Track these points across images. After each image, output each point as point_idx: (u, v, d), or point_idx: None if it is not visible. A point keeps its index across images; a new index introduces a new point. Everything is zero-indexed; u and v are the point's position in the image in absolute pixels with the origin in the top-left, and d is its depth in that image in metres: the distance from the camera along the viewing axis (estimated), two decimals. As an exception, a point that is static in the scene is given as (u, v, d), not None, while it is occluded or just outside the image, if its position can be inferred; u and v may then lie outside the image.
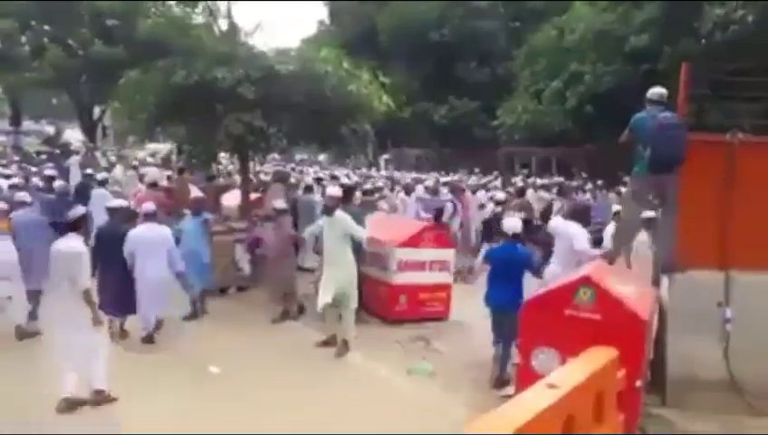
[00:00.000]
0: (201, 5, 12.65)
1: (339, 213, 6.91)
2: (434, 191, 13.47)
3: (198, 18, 17.54)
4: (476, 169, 24.61)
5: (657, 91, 5.86)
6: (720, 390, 5.37)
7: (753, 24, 19.75)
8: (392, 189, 14.92)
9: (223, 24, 12.05)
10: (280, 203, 8.52)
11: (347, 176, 17.28)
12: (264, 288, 8.80)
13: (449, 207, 11.22)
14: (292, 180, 12.94)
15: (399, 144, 36.73)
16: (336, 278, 6.78)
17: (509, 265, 6.02)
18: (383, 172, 24.55)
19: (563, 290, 4.71)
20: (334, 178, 15.70)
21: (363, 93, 9.48)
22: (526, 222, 7.18)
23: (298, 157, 24.85)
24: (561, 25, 28.80)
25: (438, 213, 10.40)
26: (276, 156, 16.84)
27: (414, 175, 21.38)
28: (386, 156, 34.63)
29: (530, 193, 14.08)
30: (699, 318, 5.47)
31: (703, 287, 5.53)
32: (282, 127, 9.63)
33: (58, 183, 10.60)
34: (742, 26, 20.35)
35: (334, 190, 7.54)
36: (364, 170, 23.20)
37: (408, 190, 13.87)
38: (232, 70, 8.92)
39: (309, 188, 11.15)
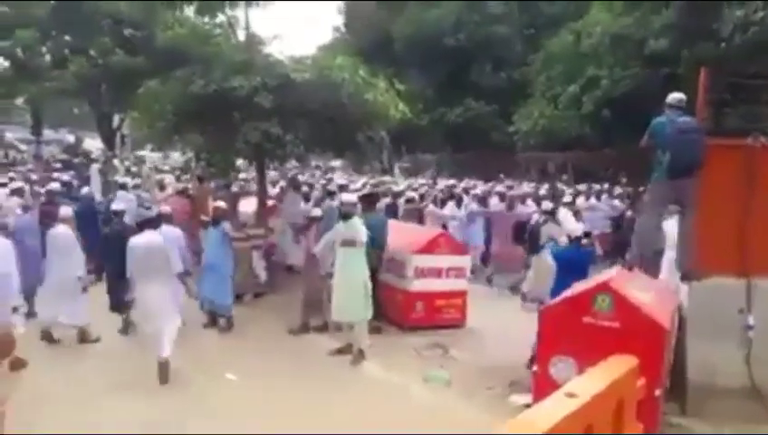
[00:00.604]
0: (220, 16, 12.73)
1: (355, 220, 6.91)
2: (482, 200, 12.41)
3: (217, 28, 17.68)
4: (501, 175, 24.13)
5: (676, 96, 5.83)
6: (741, 398, 5.27)
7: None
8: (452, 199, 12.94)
9: (241, 34, 12.21)
10: (316, 211, 8.58)
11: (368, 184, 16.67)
12: (290, 296, 8.75)
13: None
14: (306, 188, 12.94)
15: (414, 150, 36.70)
16: (348, 286, 6.76)
17: (574, 264, 6.32)
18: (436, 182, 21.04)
19: (582, 297, 4.67)
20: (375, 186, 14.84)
21: (379, 101, 9.50)
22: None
23: (314, 163, 24.91)
24: (577, 30, 28.69)
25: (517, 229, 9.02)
26: (294, 163, 16.85)
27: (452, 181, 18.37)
28: (401, 163, 34.63)
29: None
30: (720, 325, 5.39)
31: (724, 294, 5.45)
32: (298, 134, 9.66)
33: (85, 190, 11.05)
34: (762, 28, 20.10)
35: (351, 197, 7.55)
36: (388, 178, 22.30)
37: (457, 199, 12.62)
38: (249, 78, 8.99)
39: (331, 195, 11.08)
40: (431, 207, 12.39)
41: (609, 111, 25.70)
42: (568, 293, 5.01)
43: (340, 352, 7.06)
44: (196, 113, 9.52)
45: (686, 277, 5.70)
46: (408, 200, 12.20)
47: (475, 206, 12.21)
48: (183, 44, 22.53)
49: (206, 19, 13.83)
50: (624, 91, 24.91)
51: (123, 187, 11.78)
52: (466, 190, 14.21)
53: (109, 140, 28.65)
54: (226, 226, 8.24)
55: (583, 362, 4.46)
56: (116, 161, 18.17)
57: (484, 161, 31.98)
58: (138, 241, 6.33)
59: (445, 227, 11.20)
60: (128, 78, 23.13)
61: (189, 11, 12.53)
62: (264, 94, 8.87)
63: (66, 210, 7.43)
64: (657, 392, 4.30)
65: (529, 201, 12.59)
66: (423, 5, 35.58)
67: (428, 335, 7.75)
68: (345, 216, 6.97)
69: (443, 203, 12.80)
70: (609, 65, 25.91)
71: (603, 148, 26.50)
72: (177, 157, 20.90)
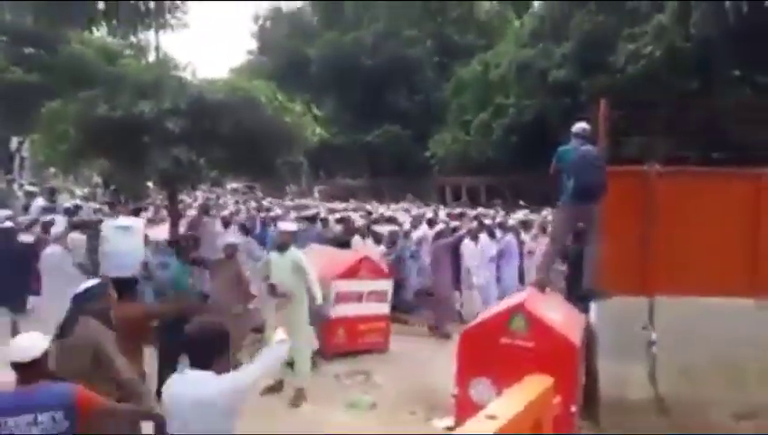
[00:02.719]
0: (132, 37, 12.27)
1: (292, 250, 6.64)
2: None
3: (126, 49, 17.07)
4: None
5: (580, 125, 6.16)
6: (650, 411, 5.58)
7: (661, 58, 21.23)
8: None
9: (151, 56, 11.84)
10: (231, 238, 8.19)
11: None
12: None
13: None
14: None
15: (332, 174, 36.82)
16: (286, 319, 6.27)
17: None
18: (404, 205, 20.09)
19: (498, 318, 4.80)
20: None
21: (297, 124, 9.46)
22: None
23: (229, 187, 24.35)
24: (486, 60, 29.96)
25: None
26: (203, 187, 16.38)
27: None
28: (320, 187, 34.55)
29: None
30: (627, 342, 5.70)
31: (629, 312, 5.78)
32: (212, 158, 9.43)
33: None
34: (650, 60, 21.75)
35: (289, 225, 7.31)
36: (309, 201, 21.98)
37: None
38: (158, 102, 8.71)
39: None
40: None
41: (517, 137, 26.88)
42: (485, 315, 5.14)
43: (271, 390, 6.51)
44: (101, 137, 9.09)
45: (591, 296, 5.99)
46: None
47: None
48: (88, 63, 21.65)
49: (116, 39, 13.23)
50: (530, 119, 26.19)
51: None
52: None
53: (6, 163, 26.86)
54: None
55: (501, 382, 4.56)
56: (15, 186, 16.95)
57: (402, 185, 32.54)
58: None
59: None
60: (26, 98, 21.82)
61: (100, 31, 11.93)
62: (174, 119, 8.61)
63: None
64: (573, 409, 4.46)
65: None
66: (340, 28, 36.02)
67: (351, 361, 7.70)
68: (281, 246, 6.61)
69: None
70: (515, 94, 27.17)
71: (512, 172, 27.67)
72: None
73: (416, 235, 10.80)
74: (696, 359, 5.65)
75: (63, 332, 3.66)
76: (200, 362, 3.01)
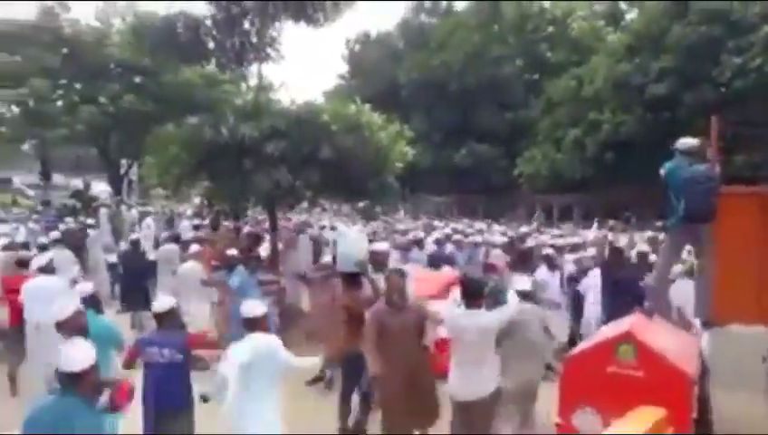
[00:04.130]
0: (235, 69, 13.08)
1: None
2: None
3: (226, 74, 18.02)
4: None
5: (686, 141, 5.86)
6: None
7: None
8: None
9: (250, 80, 12.45)
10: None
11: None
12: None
13: None
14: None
15: (417, 192, 36.88)
16: None
17: None
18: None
19: (605, 346, 4.64)
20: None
21: (391, 146, 9.62)
22: None
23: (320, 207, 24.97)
24: (579, 76, 29.28)
25: None
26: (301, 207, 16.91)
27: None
28: (405, 205, 34.72)
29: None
30: (743, 374, 5.33)
31: (745, 342, 5.42)
32: (309, 181, 9.71)
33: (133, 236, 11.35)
34: (760, 75, 20.50)
35: (382, 246, 7.22)
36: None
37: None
38: (259, 125, 9.10)
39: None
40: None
41: (612, 154, 26.02)
42: (590, 342, 4.98)
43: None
44: (208, 160, 9.61)
45: (705, 324, 5.67)
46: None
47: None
48: (193, 90, 23.05)
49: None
50: (626, 135, 25.30)
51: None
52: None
53: (116, 185, 28.89)
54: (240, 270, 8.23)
55: (607, 412, 4.41)
56: (123, 207, 18.22)
57: (488, 202, 32.22)
58: None
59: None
60: (136, 124, 23.52)
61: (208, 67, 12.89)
62: (274, 142, 8.97)
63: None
64: (686, 443, 4.23)
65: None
66: (427, 51, 36.40)
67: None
68: (378, 265, 6.26)
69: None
70: (610, 109, 26.35)
71: (607, 189, 26.76)
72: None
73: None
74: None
75: None
76: None
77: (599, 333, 5.26)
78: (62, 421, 3.15)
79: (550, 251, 9.03)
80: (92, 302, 5.06)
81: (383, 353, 4.96)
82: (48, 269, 6.86)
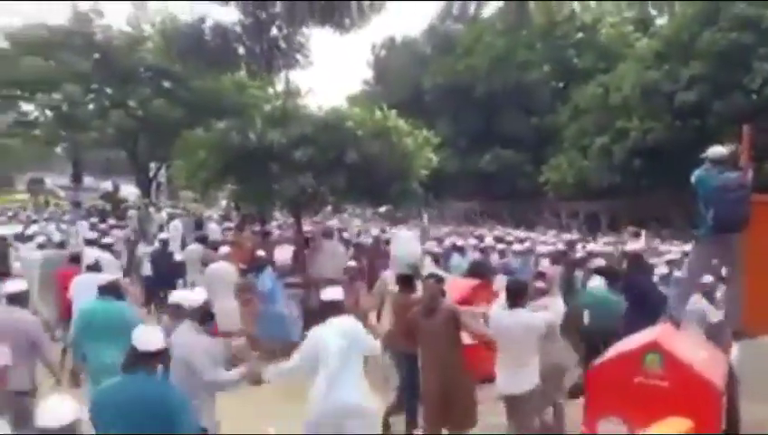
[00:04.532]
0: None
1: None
2: None
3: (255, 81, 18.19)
4: None
5: (717, 150, 5.77)
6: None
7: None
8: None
9: (277, 85, 12.57)
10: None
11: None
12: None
13: None
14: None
15: (441, 198, 36.75)
16: None
17: None
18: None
19: (631, 355, 4.59)
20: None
21: (416, 151, 9.65)
22: None
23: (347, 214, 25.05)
24: (606, 83, 29.01)
25: None
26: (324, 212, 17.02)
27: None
28: (429, 210, 34.61)
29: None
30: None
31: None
32: (334, 186, 9.78)
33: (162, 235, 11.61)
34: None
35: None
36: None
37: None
38: (287, 131, 9.21)
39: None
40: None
41: (640, 161, 25.73)
42: (616, 351, 4.94)
43: None
44: (236, 164, 9.75)
45: (736, 335, 5.58)
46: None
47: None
48: (221, 95, 23.33)
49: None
50: (654, 142, 24.99)
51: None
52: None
53: (145, 188, 29.36)
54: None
55: (633, 422, 4.37)
56: (152, 209, 18.53)
57: (514, 208, 32.02)
58: None
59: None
60: (165, 128, 23.89)
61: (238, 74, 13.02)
62: (302, 148, 9.07)
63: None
64: (713, 457, 4.17)
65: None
66: (453, 56, 36.31)
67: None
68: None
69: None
70: (639, 116, 26.04)
71: (634, 196, 26.45)
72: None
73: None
74: None
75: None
76: None
77: (624, 342, 5.20)
78: (151, 397, 3.33)
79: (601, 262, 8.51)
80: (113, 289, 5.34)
81: (420, 355, 5.24)
82: (96, 268, 7.11)
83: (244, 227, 12.37)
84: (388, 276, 7.16)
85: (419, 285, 5.80)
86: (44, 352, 5.11)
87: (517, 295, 5.07)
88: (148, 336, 3.44)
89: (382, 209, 21.63)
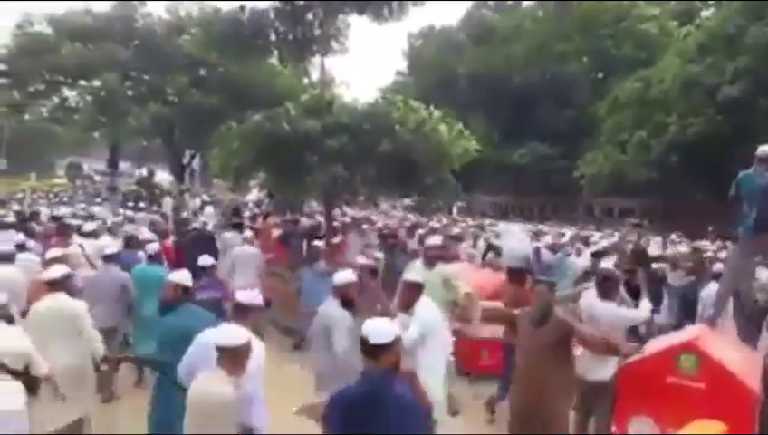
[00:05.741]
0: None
1: (440, 266, 6.23)
2: None
3: (287, 67, 18.21)
4: None
5: (766, 148, 5.61)
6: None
7: None
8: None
9: (313, 74, 12.56)
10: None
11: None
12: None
13: None
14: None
15: (471, 190, 36.47)
16: None
17: None
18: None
19: (665, 355, 4.50)
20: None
21: (450, 140, 9.58)
22: None
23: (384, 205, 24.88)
24: (647, 77, 28.36)
25: None
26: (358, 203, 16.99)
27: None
28: (460, 203, 34.36)
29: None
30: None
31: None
32: (367, 176, 9.76)
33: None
34: None
35: (435, 239, 7.22)
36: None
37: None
38: (323, 120, 9.22)
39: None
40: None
41: (679, 157, 25.12)
42: (649, 350, 4.84)
43: None
44: (270, 153, 9.80)
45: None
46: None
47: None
48: (255, 83, 23.45)
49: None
50: (694, 138, 24.36)
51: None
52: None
53: (179, 175, 29.83)
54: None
55: (665, 423, 4.30)
56: (186, 195, 18.84)
57: (547, 203, 31.58)
58: None
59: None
60: (200, 116, 24.19)
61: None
62: (337, 137, 9.07)
63: None
64: (748, 461, 4.07)
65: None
66: (490, 45, 35.83)
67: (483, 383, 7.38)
68: (429, 260, 6.27)
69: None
70: (679, 111, 25.40)
71: (672, 193, 25.89)
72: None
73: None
74: None
75: None
76: None
77: (658, 341, 5.10)
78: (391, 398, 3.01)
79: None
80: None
81: (518, 367, 4.70)
82: (156, 259, 7.18)
83: (268, 215, 12.31)
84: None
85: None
86: None
87: (608, 288, 5.12)
88: (378, 327, 3.14)
89: (408, 201, 21.41)
